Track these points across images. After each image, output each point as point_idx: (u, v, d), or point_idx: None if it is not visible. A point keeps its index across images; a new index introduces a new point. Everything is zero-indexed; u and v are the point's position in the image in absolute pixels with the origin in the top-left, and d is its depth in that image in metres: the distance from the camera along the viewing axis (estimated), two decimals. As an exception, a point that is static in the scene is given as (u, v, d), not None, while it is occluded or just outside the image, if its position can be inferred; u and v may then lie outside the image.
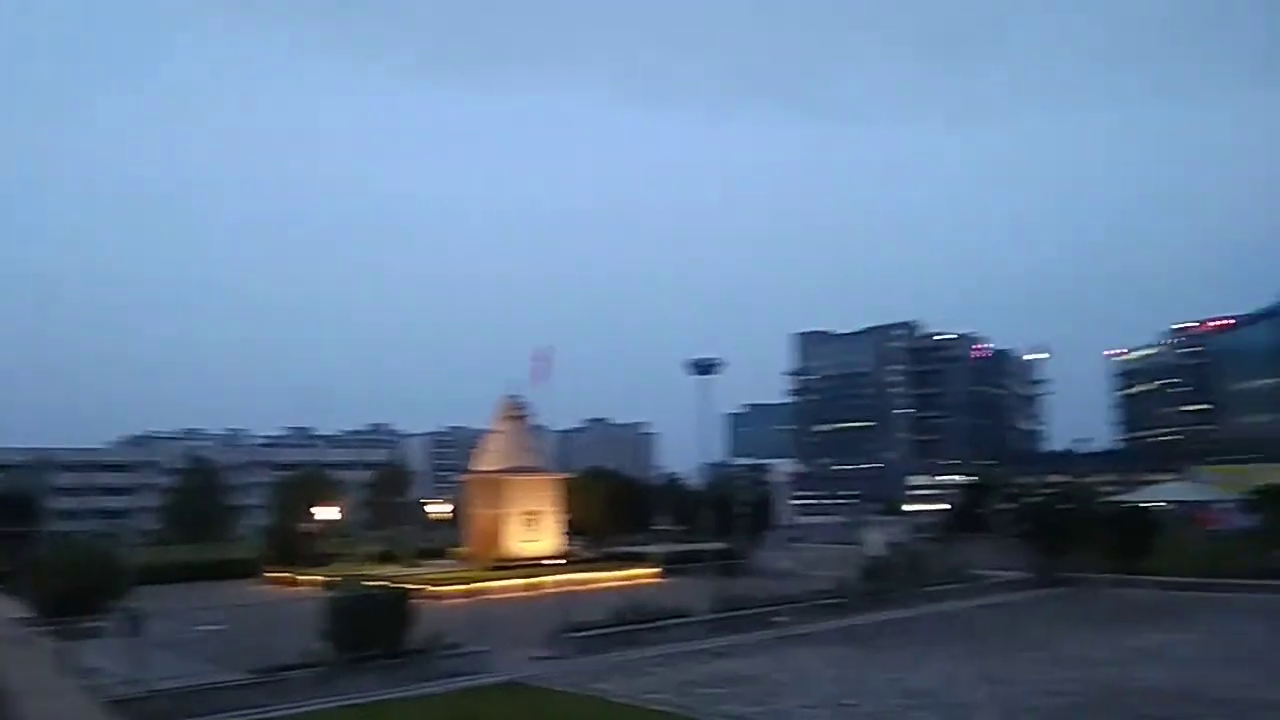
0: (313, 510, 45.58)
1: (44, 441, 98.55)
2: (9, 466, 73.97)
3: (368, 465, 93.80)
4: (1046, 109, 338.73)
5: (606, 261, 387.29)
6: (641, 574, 39.23)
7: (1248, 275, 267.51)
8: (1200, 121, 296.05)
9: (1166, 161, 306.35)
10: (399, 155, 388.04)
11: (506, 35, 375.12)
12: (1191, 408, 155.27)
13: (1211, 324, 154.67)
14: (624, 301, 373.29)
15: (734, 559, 37.16)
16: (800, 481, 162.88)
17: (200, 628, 22.38)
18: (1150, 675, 18.81)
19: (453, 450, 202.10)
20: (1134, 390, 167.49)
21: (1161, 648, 21.91)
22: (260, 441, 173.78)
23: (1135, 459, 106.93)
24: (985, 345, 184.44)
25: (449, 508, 60.41)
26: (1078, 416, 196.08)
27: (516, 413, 45.08)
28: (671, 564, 38.73)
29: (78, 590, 24.68)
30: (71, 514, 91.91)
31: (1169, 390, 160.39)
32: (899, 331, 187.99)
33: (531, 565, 39.11)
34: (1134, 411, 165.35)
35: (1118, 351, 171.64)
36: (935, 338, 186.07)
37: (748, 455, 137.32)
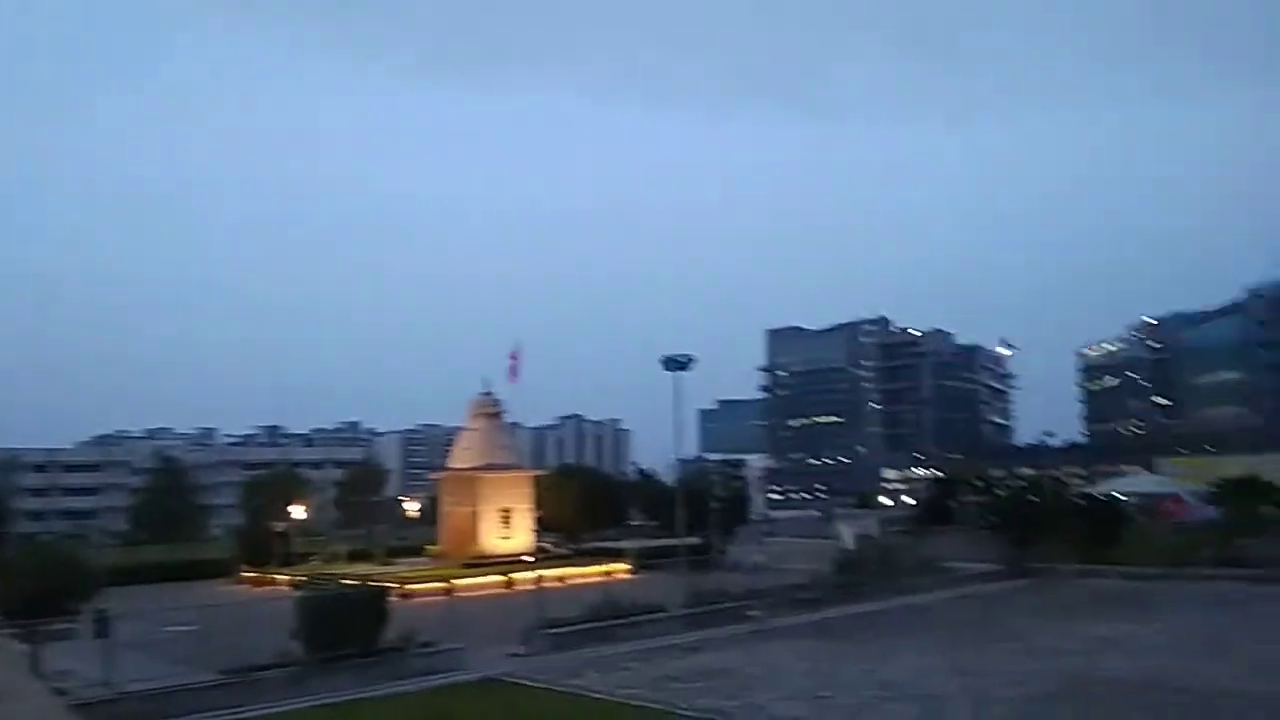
0: (285, 509, 45.29)
1: (10, 441, 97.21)
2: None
3: (340, 464, 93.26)
4: (1046, 109, 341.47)
5: (607, 261, 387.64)
6: (615, 570, 39.37)
7: (1235, 270, 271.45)
8: (1199, 121, 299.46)
9: (1166, 162, 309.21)
10: (399, 155, 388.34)
11: (507, 35, 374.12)
12: (1157, 401, 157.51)
13: (1175, 319, 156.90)
14: (624, 301, 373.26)
15: (707, 554, 37.35)
16: (773, 476, 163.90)
17: (171, 629, 22.17)
18: (1116, 664, 19.14)
19: (424, 448, 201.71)
20: (1101, 385, 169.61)
21: (1127, 637, 22.27)
22: (230, 441, 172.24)
23: (1101, 452, 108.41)
24: (955, 340, 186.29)
25: (416, 505, 60.22)
26: (1049, 410, 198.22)
27: (490, 410, 45.01)
28: (645, 559, 38.84)
29: (46, 592, 24.30)
30: (39, 515, 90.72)
31: (1135, 384, 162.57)
32: (870, 327, 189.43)
33: (506, 562, 39.12)
34: (1101, 405, 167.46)
35: (1087, 347, 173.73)
36: (906, 331, 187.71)
37: (721, 451, 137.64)
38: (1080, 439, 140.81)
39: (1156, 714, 15.40)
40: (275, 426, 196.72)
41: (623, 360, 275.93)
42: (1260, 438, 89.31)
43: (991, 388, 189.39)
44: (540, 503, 44.72)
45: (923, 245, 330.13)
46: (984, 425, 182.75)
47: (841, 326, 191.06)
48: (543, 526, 45.53)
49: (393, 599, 21.87)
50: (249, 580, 40.26)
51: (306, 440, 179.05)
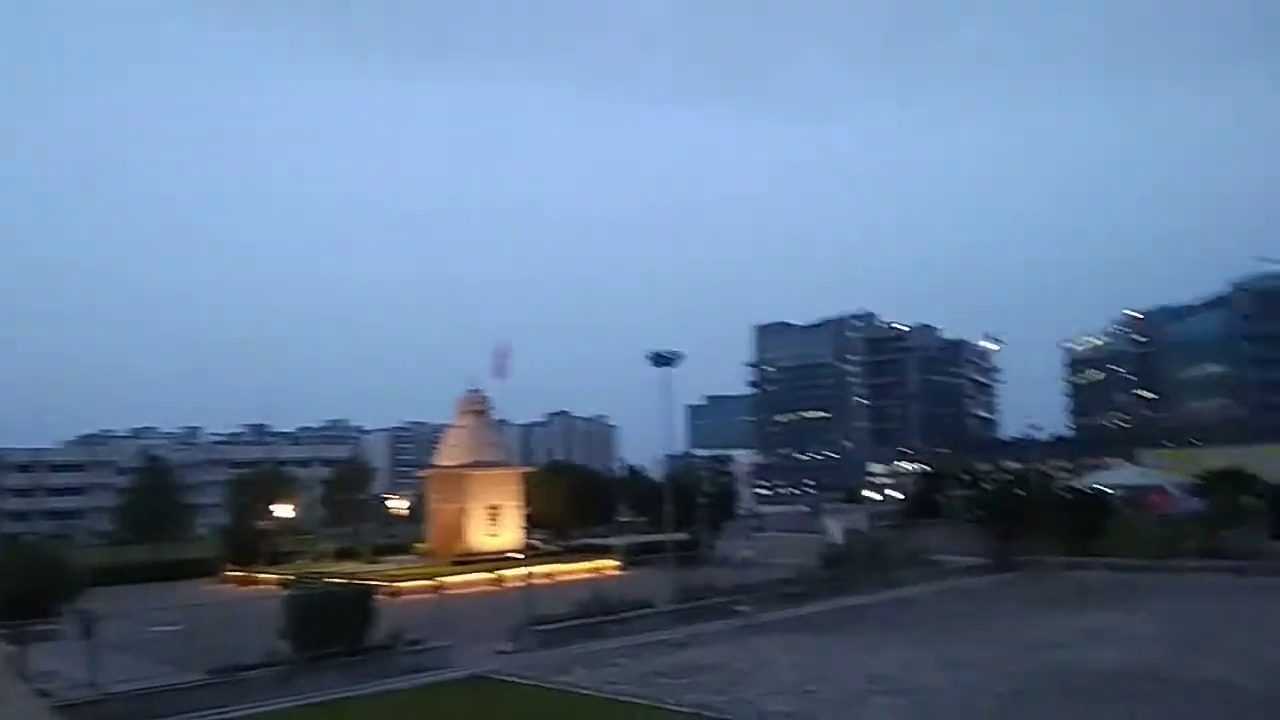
0: (271, 508, 45.08)
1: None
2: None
3: (327, 462, 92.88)
4: (1041, 109, 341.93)
5: (594, 259, 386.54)
6: (604, 566, 39.35)
7: (1220, 265, 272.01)
8: (1197, 121, 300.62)
9: (1167, 161, 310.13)
10: (389, 154, 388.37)
11: (507, 35, 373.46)
12: (1142, 394, 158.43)
13: (1160, 312, 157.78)
14: (612, 298, 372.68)
15: (695, 549, 37.39)
16: (761, 471, 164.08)
17: (156, 628, 22.02)
18: (1102, 656, 19.24)
19: (412, 446, 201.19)
20: (1086, 378, 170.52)
21: (1113, 628, 22.41)
22: (216, 439, 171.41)
23: (1086, 445, 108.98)
24: (940, 335, 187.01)
25: (405, 503, 60.05)
26: (1035, 404, 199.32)
27: (477, 407, 44.93)
28: (633, 555, 38.86)
29: (30, 592, 24.20)
30: (23, 515, 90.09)
31: (1120, 378, 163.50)
32: (857, 323, 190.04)
33: (494, 559, 39.07)
34: (1086, 399, 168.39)
35: (1073, 340, 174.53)
36: (892, 327, 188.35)
37: (710, 446, 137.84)
38: (1066, 432, 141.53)
39: (1143, 704, 15.49)
40: (261, 425, 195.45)
41: (610, 357, 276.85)
42: (1245, 430, 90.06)
43: (977, 382, 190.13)
44: (528, 500, 44.66)
45: (917, 244, 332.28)
46: (970, 419, 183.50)
47: (828, 322, 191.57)
48: (531, 523, 45.45)
49: (380, 597, 21.82)
50: (235, 579, 40.04)
51: (293, 438, 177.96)
